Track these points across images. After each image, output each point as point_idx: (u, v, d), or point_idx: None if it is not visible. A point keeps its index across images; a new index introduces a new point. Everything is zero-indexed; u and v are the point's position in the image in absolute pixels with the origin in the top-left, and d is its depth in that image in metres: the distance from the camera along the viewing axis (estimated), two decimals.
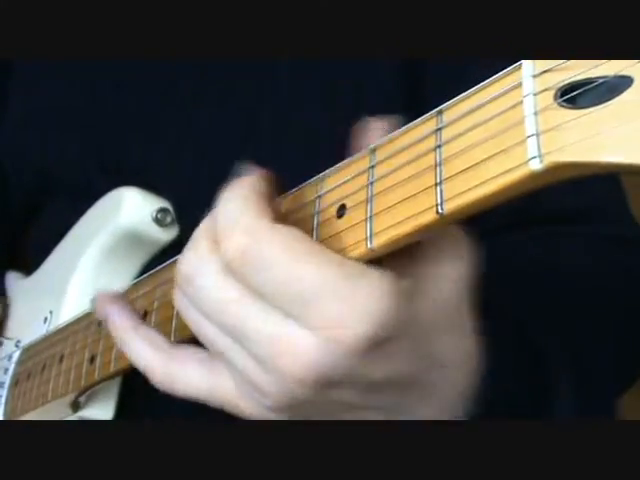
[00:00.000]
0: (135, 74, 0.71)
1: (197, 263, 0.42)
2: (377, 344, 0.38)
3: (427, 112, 0.40)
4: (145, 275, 0.59)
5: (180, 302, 0.44)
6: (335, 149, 0.64)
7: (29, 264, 0.81)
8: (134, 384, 0.66)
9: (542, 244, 0.62)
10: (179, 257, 0.44)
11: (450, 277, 0.41)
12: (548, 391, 0.50)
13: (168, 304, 0.53)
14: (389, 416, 0.43)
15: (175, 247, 0.67)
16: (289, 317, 0.39)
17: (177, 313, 0.52)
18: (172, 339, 0.52)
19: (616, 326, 0.59)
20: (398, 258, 0.40)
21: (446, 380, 0.43)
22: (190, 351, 0.46)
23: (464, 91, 0.38)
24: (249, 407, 0.44)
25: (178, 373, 0.46)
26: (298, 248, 0.39)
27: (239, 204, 0.41)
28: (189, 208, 0.68)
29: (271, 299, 0.39)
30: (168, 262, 0.56)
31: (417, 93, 0.64)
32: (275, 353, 0.39)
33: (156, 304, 0.54)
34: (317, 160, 0.64)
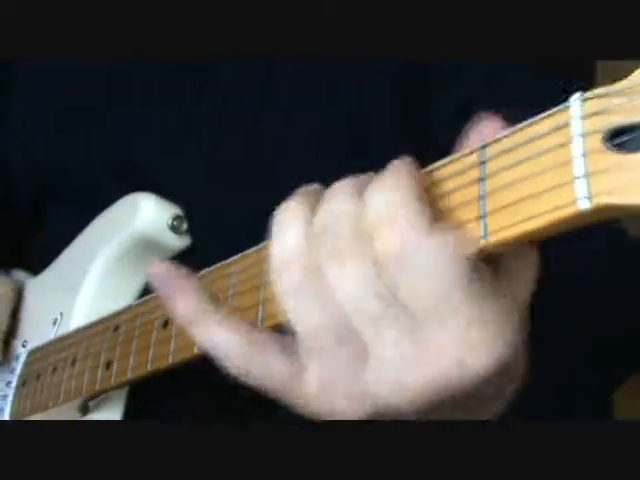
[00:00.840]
0: (140, 76, 0.71)
1: (348, 248, 0.39)
2: (503, 370, 0.39)
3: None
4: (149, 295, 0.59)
5: (302, 277, 0.40)
6: (336, 149, 0.66)
7: (35, 265, 0.81)
8: (142, 389, 0.67)
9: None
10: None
11: (528, 283, 0.41)
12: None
13: None
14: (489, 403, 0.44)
15: (187, 254, 0.68)
16: (417, 326, 0.38)
17: None
18: (196, 350, 0.52)
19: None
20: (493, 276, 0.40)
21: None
22: (271, 337, 0.44)
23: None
24: (340, 411, 0.42)
25: (256, 359, 0.43)
26: (450, 263, 0.38)
27: (401, 195, 0.38)
28: (191, 207, 0.69)
29: (407, 303, 0.38)
30: None
31: (417, 93, 0.65)
32: (411, 356, 0.39)
33: (157, 323, 0.55)
34: (318, 160, 0.66)
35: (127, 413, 0.66)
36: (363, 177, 0.42)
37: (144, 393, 0.67)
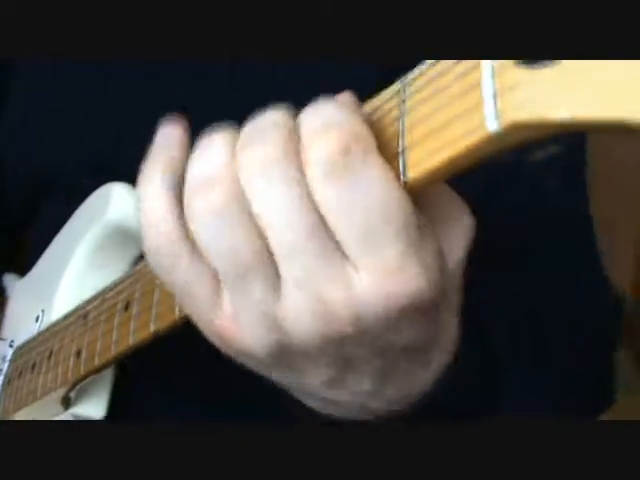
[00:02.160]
0: (131, 76, 0.71)
1: (276, 161, 0.36)
2: (422, 305, 0.37)
3: None
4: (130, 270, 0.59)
5: (226, 198, 0.37)
6: None
7: (27, 265, 0.81)
8: (126, 381, 0.66)
9: None
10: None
11: (459, 250, 0.40)
12: (496, 383, 0.51)
13: (149, 294, 0.53)
14: (380, 380, 0.42)
15: None
16: (351, 254, 0.36)
17: (156, 303, 0.51)
18: (151, 328, 0.51)
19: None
20: None
21: (438, 355, 0.43)
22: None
23: None
24: (249, 340, 0.39)
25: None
26: (390, 181, 0.36)
27: (340, 108, 0.36)
28: None
29: (348, 223, 0.36)
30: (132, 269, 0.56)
31: None
32: (325, 279, 0.36)
33: (137, 294, 0.54)
34: None
35: (111, 405, 0.66)
36: None
37: (129, 384, 0.67)
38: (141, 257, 0.66)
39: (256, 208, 0.36)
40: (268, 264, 0.37)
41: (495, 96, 0.33)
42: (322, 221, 0.36)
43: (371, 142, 0.36)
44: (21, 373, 0.68)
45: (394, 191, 0.36)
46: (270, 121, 0.37)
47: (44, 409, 0.66)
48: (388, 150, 0.37)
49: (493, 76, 0.33)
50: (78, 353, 0.59)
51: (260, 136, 0.37)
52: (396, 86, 0.39)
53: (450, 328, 0.43)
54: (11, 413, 0.68)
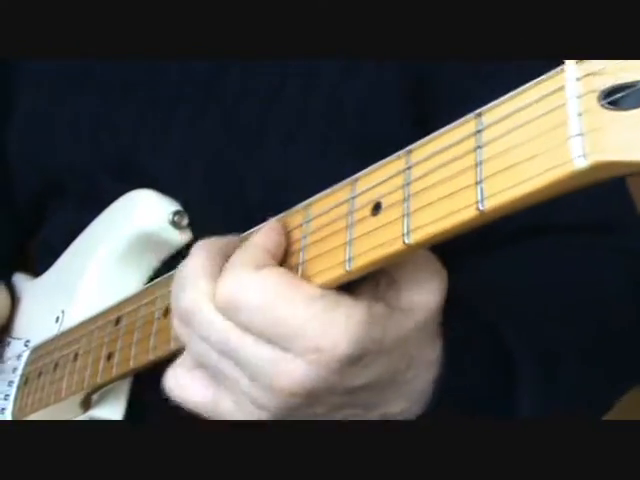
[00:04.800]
0: (143, 78, 0.72)
1: (196, 301, 0.48)
2: (352, 361, 0.46)
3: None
4: (147, 285, 0.60)
5: (181, 330, 0.50)
6: (342, 150, 0.66)
7: (36, 265, 0.81)
8: (144, 384, 0.67)
9: (544, 256, 0.64)
10: (176, 289, 0.49)
11: (429, 305, 0.47)
12: (511, 390, 0.54)
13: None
14: (367, 411, 0.50)
15: (188, 249, 0.67)
16: (279, 348, 0.46)
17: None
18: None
19: (600, 343, 0.61)
20: (377, 285, 0.47)
21: (414, 379, 0.50)
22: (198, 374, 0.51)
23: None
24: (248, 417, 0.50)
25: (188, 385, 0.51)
26: (277, 290, 0.45)
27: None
28: (195, 210, 0.69)
29: (260, 335, 0.46)
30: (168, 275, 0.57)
31: (420, 101, 0.66)
32: (272, 375, 0.46)
33: (157, 314, 0.56)
34: (321, 163, 0.66)
35: (129, 408, 0.66)
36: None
37: (146, 388, 0.67)
38: (165, 266, 0.67)
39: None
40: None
41: (582, 135, 0.35)
42: None
43: (249, 282, 0.47)
44: (41, 373, 0.68)
45: (277, 308, 0.46)
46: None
47: (63, 411, 0.66)
48: (465, 179, 0.39)
49: (580, 115, 0.35)
50: (109, 356, 0.60)
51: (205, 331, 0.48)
52: (470, 116, 0.40)
53: (425, 357, 0.50)
54: (28, 412, 0.68)
